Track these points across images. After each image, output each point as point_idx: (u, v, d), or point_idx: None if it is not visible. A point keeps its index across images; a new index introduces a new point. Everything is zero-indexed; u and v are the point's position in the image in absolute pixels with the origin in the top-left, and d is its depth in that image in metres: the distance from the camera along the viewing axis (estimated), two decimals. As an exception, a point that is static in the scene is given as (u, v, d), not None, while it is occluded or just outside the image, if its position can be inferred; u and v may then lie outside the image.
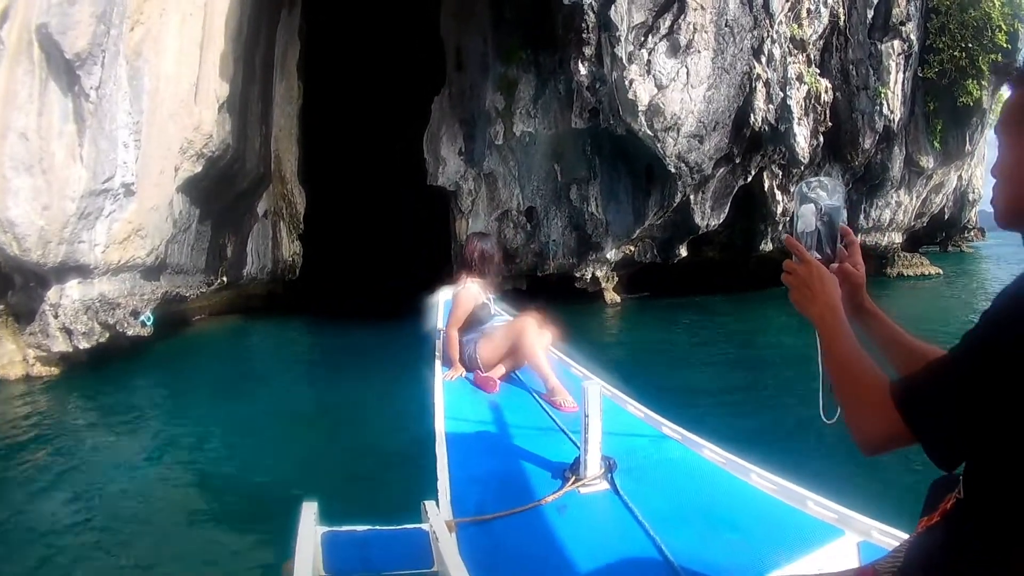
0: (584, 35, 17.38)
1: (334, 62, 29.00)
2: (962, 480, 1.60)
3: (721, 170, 18.46)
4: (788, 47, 18.07)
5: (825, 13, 18.59)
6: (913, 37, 20.47)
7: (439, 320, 7.18)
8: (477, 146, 21.74)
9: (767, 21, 17.57)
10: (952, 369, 1.50)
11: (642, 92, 16.62)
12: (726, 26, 17.21)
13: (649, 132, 16.90)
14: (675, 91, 16.79)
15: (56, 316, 12.64)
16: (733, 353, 14.03)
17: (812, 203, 2.02)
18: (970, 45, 20.53)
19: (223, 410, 10.98)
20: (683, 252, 20.59)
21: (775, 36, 17.71)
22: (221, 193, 17.26)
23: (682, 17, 16.73)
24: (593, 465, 3.79)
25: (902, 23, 20.20)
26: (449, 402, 5.22)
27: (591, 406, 3.74)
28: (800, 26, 18.27)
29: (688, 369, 12.80)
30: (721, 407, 9.42)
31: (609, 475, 3.80)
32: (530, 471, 4.08)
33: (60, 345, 12.61)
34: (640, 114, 16.77)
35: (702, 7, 16.79)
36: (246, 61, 17.63)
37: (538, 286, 21.58)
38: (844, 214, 2.03)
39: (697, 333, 16.44)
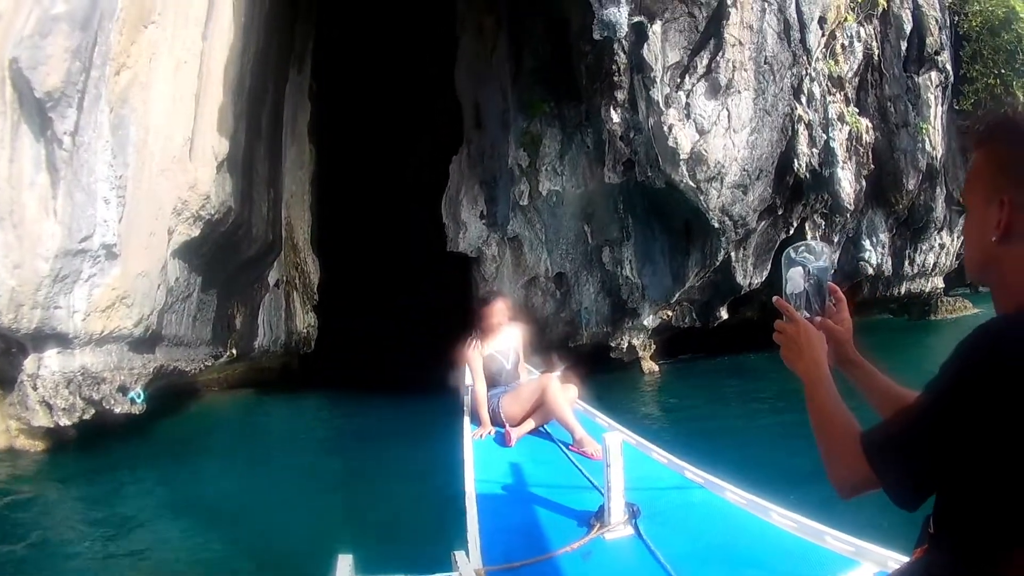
0: (615, 78, 16.06)
1: (347, 124, 27.94)
2: (932, 516, 1.77)
3: (763, 223, 17.21)
4: (827, 85, 16.98)
5: (859, 48, 17.59)
6: (948, 67, 19.51)
7: (466, 378, 7.28)
8: (500, 208, 20.34)
9: (804, 57, 16.44)
10: (911, 421, 1.71)
11: (683, 139, 15.30)
12: (765, 63, 16.04)
13: (691, 183, 15.56)
14: (717, 136, 15.52)
15: (35, 388, 11.60)
16: (789, 418, 12.78)
17: (800, 266, 2.25)
18: (1003, 71, 19.95)
19: (239, 482, 10.90)
20: (724, 314, 19.34)
21: (813, 74, 16.60)
22: (226, 260, 15.99)
23: (720, 54, 15.51)
24: (617, 512, 4.01)
25: (937, 53, 19.27)
26: (478, 456, 5.50)
27: (612, 455, 3.98)
28: (836, 62, 17.23)
29: (745, 440, 12.15)
30: (787, 478, 8.39)
31: (633, 521, 4.02)
32: (557, 520, 4.33)
33: (41, 419, 11.59)
34: (681, 163, 15.42)
35: (740, 43, 15.60)
36: (250, 118, 16.45)
37: (568, 356, 19.84)
38: (829, 275, 2.28)
39: (746, 401, 15.31)
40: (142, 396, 12.49)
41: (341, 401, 18.45)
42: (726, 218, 16.31)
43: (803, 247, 2.24)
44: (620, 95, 16.23)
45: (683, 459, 5.09)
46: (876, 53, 18.36)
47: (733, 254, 17.42)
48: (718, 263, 17.39)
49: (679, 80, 15.59)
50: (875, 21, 18.10)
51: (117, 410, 12.02)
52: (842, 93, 17.33)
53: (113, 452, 12.07)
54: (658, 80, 15.38)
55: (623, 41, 15.69)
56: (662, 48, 15.44)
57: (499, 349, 6.85)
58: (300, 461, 12.48)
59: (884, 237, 20.19)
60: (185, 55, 13.41)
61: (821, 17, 16.54)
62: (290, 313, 20.79)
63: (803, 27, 16.31)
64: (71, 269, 11.18)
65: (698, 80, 15.57)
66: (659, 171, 16.03)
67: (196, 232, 13.55)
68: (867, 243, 19.93)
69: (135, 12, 12.29)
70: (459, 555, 3.44)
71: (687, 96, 15.48)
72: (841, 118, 17.07)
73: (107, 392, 11.78)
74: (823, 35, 16.70)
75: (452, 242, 20.69)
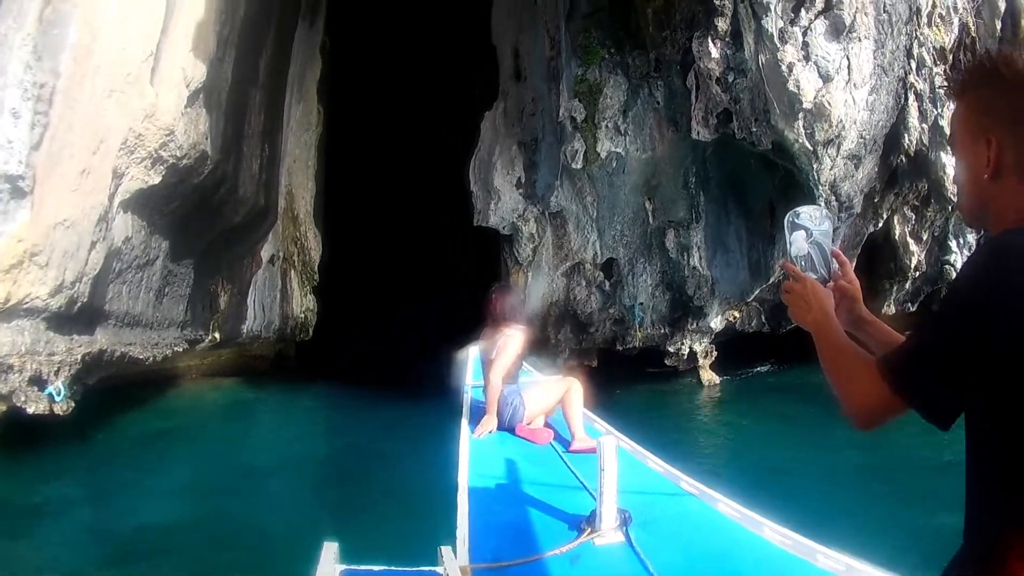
0: (717, 1, 12.67)
1: (362, 84, 24.70)
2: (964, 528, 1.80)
3: (853, 211, 14.13)
4: (934, 54, 14.01)
5: (955, 22, 14.37)
6: (1046, 51, 16.15)
7: (468, 376, 7.31)
8: (541, 176, 17.08)
9: (916, 17, 13.41)
10: (927, 332, 1.78)
11: (805, 83, 11.95)
12: (884, 10, 12.80)
13: (808, 144, 12.22)
14: (839, 88, 12.20)
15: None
16: (877, 459, 11.08)
17: (802, 229, 2.38)
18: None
19: (221, 472, 10.53)
20: None
21: (921, 38, 13.66)
22: (204, 224, 12.98)
23: (841, -13, 12.16)
24: (608, 517, 4.01)
25: (1032, 35, 16.03)
26: (474, 454, 5.48)
27: (607, 459, 3.98)
28: (939, 31, 14.15)
29: (827, 484, 10.35)
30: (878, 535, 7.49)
31: (624, 528, 4.02)
32: (547, 522, 4.35)
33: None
34: (800, 116, 12.08)
35: (864, -25, 12.29)
36: (243, 54, 13.42)
37: (611, 361, 16.98)
38: (830, 238, 2.38)
39: (827, 430, 11.77)
40: (63, 392, 9.16)
41: (339, 393, 16.84)
42: (833, 198, 13.23)
43: (804, 212, 2.38)
44: (722, 24, 12.77)
45: (680, 470, 5.00)
46: (972, 30, 15.19)
47: (821, 245, 14.08)
48: None
49: (792, 15, 12.22)
50: None
51: (30, 410, 8.81)
52: (944, 66, 14.26)
53: (51, 448, 10.07)
54: (772, 7, 11.97)
55: (727, -46, 12.36)
56: (774, -32, 12.07)
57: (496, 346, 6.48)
58: (288, 453, 12.12)
59: (972, 239, 17.12)
60: (162, -54, 10.17)
61: None
62: (286, 295, 17.96)
63: None
64: (-48, 202, 7.87)
65: (816, 16, 12.19)
66: (767, 126, 12.67)
67: (156, 179, 10.39)
68: (953, 244, 16.81)
69: None
70: (446, 550, 3.51)
71: (803, 34, 12.11)
72: (975, 58, 13.79)
73: (16, 384, 8.43)
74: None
75: (481, 214, 17.44)
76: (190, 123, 10.93)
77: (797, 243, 2.34)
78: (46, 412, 9.12)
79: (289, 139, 17.70)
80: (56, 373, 8.98)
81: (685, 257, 15.64)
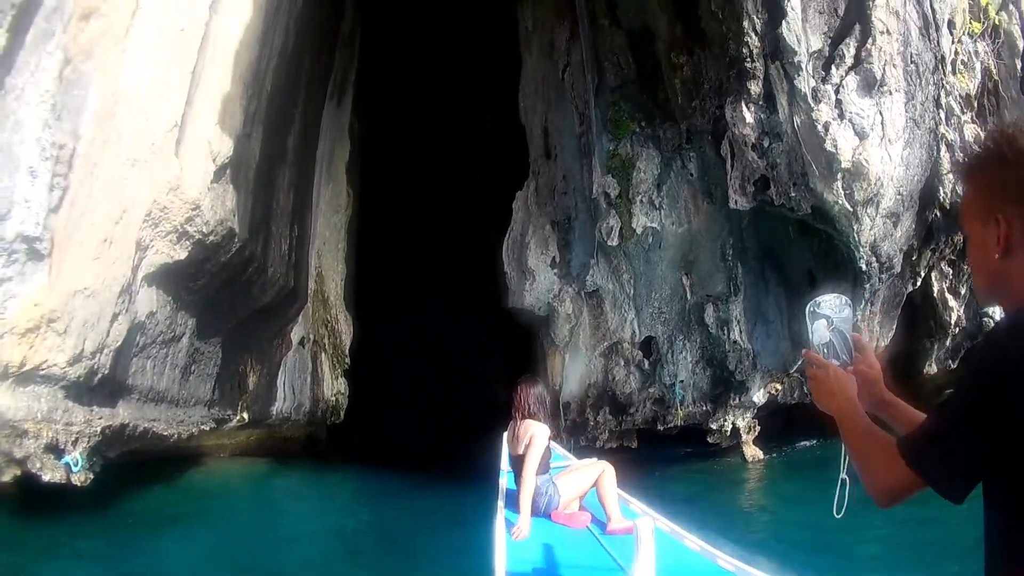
0: (748, 64, 12.44)
1: (391, 165, 24.64)
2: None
3: (893, 272, 13.63)
4: (960, 102, 13.82)
5: (977, 66, 14.39)
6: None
7: (504, 462, 7.20)
8: (576, 255, 16.80)
9: (941, 66, 13.20)
10: (943, 413, 1.86)
11: (842, 141, 11.62)
12: (911, 61, 12.58)
13: (847, 206, 11.85)
14: (874, 145, 11.88)
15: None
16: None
17: (823, 318, 2.48)
18: None
19: (241, 556, 9.86)
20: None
21: (947, 87, 13.40)
22: (234, 303, 12.72)
23: (869, 42, 11.97)
24: None
25: (1053, 74, 15.86)
26: (511, 540, 5.46)
27: (643, 541, 4.01)
28: (963, 78, 14.03)
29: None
30: None
31: None
32: None
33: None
34: (839, 176, 11.73)
35: (888, 31, 12.10)
36: (270, 130, 13.29)
37: (652, 441, 16.41)
38: (851, 324, 2.45)
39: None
40: (80, 463, 8.71)
41: (370, 476, 16.43)
42: (873, 259, 12.77)
43: (824, 301, 2.45)
44: (754, 87, 12.53)
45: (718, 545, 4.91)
46: (993, 72, 14.94)
47: (858, 312, 13.99)
48: (856, 320, 13.49)
49: (823, 73, 11.99)
50: (986, 38, 14.81)
51: (45, 477, 8.38)
52: (971, 113, 14.21)
53: (67, 520, 9.49)
54: (803, 67, 11.74)
55: (755, 17, 12.14)
56: (803, 29, 11.87)
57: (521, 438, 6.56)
58: (318, 538, 11.59)
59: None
60: (183, 21, 10.15)
61: (950, 20, 13.41)
62: (317, 377, 17.57)
63: (937, 27, 13.11)
64: (-33, 257, 7.65)
65: (847, 72, 11.94)
66: (806, 190, 12.31)
67: (181, 254, 10.11)
68: (992, 295, 16.09)
69: (124, -59, 9.06)
70: None
71: (836, 92, 11.85)
72: (978, 141, 13.28)
73: (32, 450, 8.07)
74: (952, 42, 13.57)
75: (515, 296, 17.14)
76: (217, 199, 10.70)
77: (819, 332, 2.43)
78: (63, 481, 8.61)
79: (319, 220, 17.52)
80: (74, 443, 8.60)
81: (725, 331, 15.14)
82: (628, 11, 16.68)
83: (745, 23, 12.24)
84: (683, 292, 15.62)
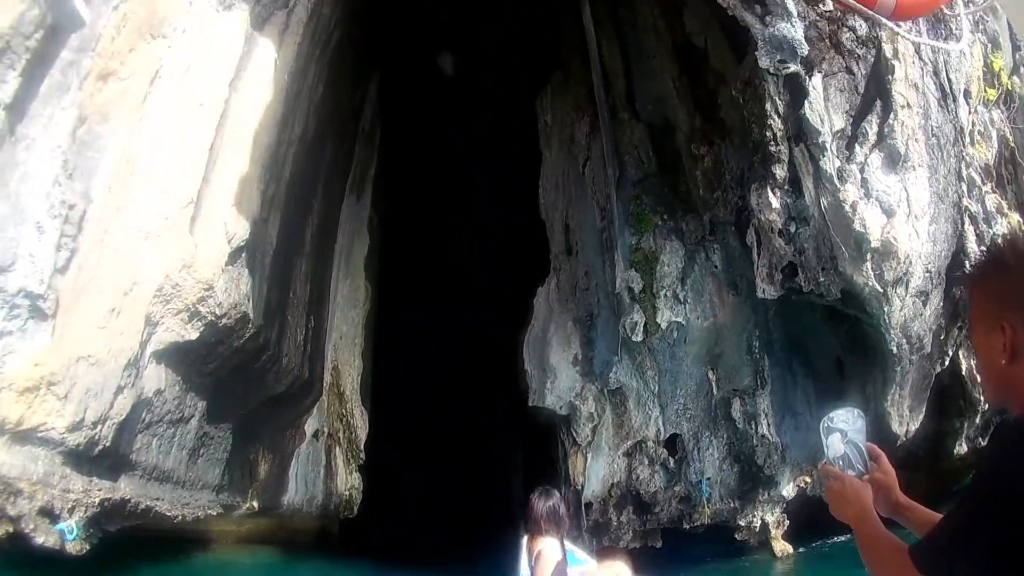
0: (772, 147, 12.25)
1: (411, 261, 24.26)
2: None
3: (924, 352, 13.33)
4: (981, 173, 13.83)
5: (994, 134, 14.35)
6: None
7: (522, 566, 7.09)
8: (598, 352, 16.35)
9: (961, 137, 13.01)
10: (952, 522, 1.96)
11: (871, 220, 11.37)
12: (932, 135, 12.40)
13: (878, 287, 11.52)
14: (901, 223, 11.63)
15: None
16: None
17: (837, 432, 2.58)
18: None
19: None
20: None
21: (968, 159, 13.29)
22: (245, 390, 12.37)
23: (891, 117, 11.78)
24: None
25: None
26: None
27: None
28: (980, 147, 14.06)
29: None
30: None
31: None
32: None
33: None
34: (868, 256, 11.44)
35: (908, 105, 11.93)
36: (288, 218, 13.19)
37: (677, 540, 15.67)
38: (864, 435, 2.59)
39: None
40: (76, 532, 8.25)
41: (384, 573, 15.94)
42: (904, 340, 12.45)
43: (836, 416, 2.56)
44: (779, 171, 12.32)
45: None
46: (1009, 140, 14.96)
47: (888, 396, 13.63)
48: (886, 405, 13.41)
49: (847, 153, 11.83)
50: (1000, 105, 14.79)
51: (38, 540, 7.93)
52: (991, 183, 14.25)
53: None
54: (828, 147, 11.57)
55: (777, 99, 12.03)
56: (826, 108, 11.75)
57: (565, 548, 6.51)
58: None
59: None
60: (202, 95, 10.14)
61: (966, 89, 13.29)
62: (330, 471, 17.04)
63: (954, 98, 12.99)
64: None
65: (871, 149, 11.76)
66: (835, 274, 11.98)
67: (193, 334, 9.83)
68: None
69: (143, 11, 9.09)
70: None
71: (861, 171, 11.65)
72: (1000, 211, 14.03)
73: (24, 510, 7.63)
74: (969, 111, 13.43)
75: (536, 395, 16.61)
76: (231, 281, 10.46)
77: (833, 446, 2.52)
78: (56, 547, 8.12)
79: (336, 314, 17.32)
80: (70, 511, 8.15)
81: (753, 426, 14.58)
82: (647, 104, 16.73)
83: (767, 105, 12.06)
84: (709, 387, 15.13)
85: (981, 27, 14.09)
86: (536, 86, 19.30)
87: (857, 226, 11.32)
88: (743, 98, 13.10)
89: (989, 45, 14.21)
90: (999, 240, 2.17)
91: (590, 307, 16.96)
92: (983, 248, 13.18)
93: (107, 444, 8.55)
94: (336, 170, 17.29)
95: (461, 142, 23.84)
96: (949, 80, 12.77)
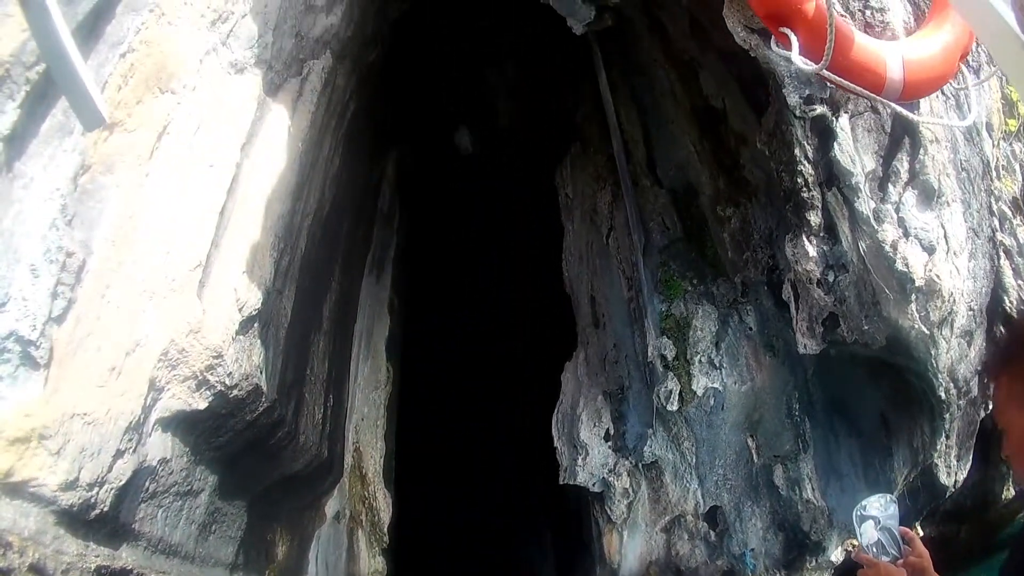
0: (805, 194, 11.78)
1: (433, 342, 23.84)
2: None
3: (970, 396, 12.67)
4: (1010, 206, 13.39)
5: (1017, 167, 13.95)
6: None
7: None
8: (631, 426, 15.76)
9: (988, 171, 12.68)
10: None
11: (913, 257, 10.85)
12: (963, 168, 11.99)
13: (924, 329, 10.93)
14: (941, 260, 11.18)
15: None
16: None
17: (871, 519, 2.78)
18: None
19: None
20: (919, 532, 13.96)
21: (997, 192, 12.94)
22: (258, 466, 11.62)
23: (921, 152, 11.38)
24: None
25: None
26: None
27: None
28: (1008, 182, 13.69)
29: None
30: None
31: None
32: None
33: None
34: (912, 297, 10.90)
35: (936, 138, 11.57)
36: (304, 291, 12.75)
37: None
38: (897, 520, 2.80)
39: None
40: (70, 596, 7.56)
41: None
42: (951, 385, 11.86)
43: (870, 503, 2.81)
44: (814, 218, 11.80)
45: None
46: None
47: (937, 447, 13.13)
48: (935, 454, 12.83)
49: (881, 194, 11.40)
50: (1020, 138, 14.41)
51: None
52: (1020, 216, 13.76)
53: None
54: (862, 188, 11.13)
55: (805, 143, 11.65)
56: (855, 149, 11.37)
57: None
58: None
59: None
60: (213, 157, 9.77)
61: (987, 122, 12.94)
62: (353, 554, 16.22)
63: (978, 131, 12.67)
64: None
65: (904, 187, 11.35)
66: (879, 319, 11.39)
67: (201, 404, 9.21)
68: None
69: (151, 63, 8.73)
70: None
71: (896, 210, 11.21)
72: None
73: (14, 563, 6.99)
74: (992, 144, 13.06)
75: (567, 472, 15.96)
76: (242, 351, 9.92)
77: (867, 533, 2.73)
78: None
79: (357, 395, 16.88)
80: (64, 572, 7.54)
81: (796, 491, 13.83)
82: (669, 170, 16.51)
83: (796, 151, 11.64)
84: (749, 455, 14.44)
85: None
86: (555, 158, 19.21)
87: (899, 265, 10.81)
88: (768, 149, 12.71)
89: (1004, 77, 14.07)
90: (1019, 323, 1.93)
91: (620, 380, 16.43)
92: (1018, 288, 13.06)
93: (105, 509, 7.91)
94: (355, 248, 17.04)
95: (480, 219, 23.71)
96: (970, 110, 12.31)
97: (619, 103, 17.30)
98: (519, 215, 22.53)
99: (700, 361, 14.61)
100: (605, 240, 17.45)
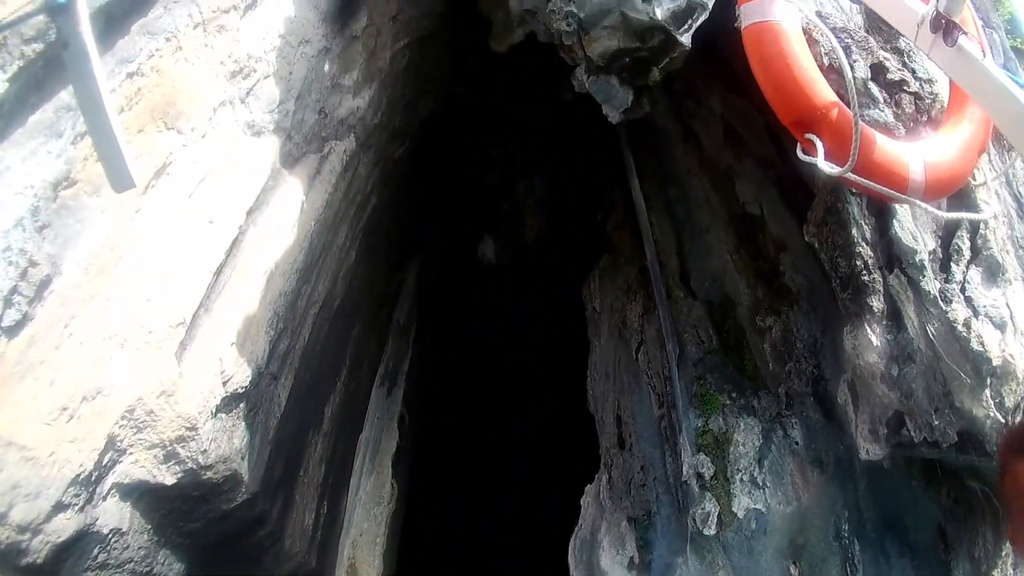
0: (865, 277, 10.74)
1: (444, 463, 22.33)
2: None
3: None
4: None
5: None
6: None
7: None
8: (658, 554, 14.21)
9: None
10: None
11: (988, 336, 9.71)
12: (1020, 246, 11.16)
13: (999, 417, 9.67)
14: (1011, 338, 10.10)
15: None
16: None
17: None
18: None
19: None
20: None
21: None
22: (237, 567, 10.31)
23: (982, 227, 10.62)
24: None
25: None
26: None
27: None
28: None
29: None
30: None
31: None
32: None
33: None
34: (988, 380, 9.67)
35: (995, 215, 10.89)
36: (303, 385, 11.72)
37: None
38: None
39: None
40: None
41: None
42: None
43: None
44: (876, 303, 10.67)
45: None
46: None
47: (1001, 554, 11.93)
48: (998, 562, 11.62)
49: (944, 275, 10.44)
50: None
51: None
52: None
53: None
54: (927, 266, 10.12)
55: (863, 223, 10.69)
56: (916, 226, 10.47)
57: None
58: None
59: None
60: (214, 213, 8.93)
61: None
62: None
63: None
64: None
65: (968, 265, 10.46)
66: (951, 412, 10.09)
67: (168, 479, 8.03)
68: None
69: (159, 93, 7.98)
70: None
71: (961, 290, 10.21)
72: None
73: None
74: None
75: (586, 604, 14.40)
76: (222, 431, 8.80)
77: None
78: None
79: (357, 509, 15.70)
80: None
81: (847, 624, 12.26)
82: (704, 281, 15.63)
83: (853, 231, 10.70)
84: (792, 585, 12.96)
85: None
86: (583, 271, 18.43)
87: (975, 345, 9.64)
88: (818, 240, 11.78)
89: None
90: None
91: (647, 504, 14.94)
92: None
93: (39, 561, 6.64)
94: (366, 355, 16.17)
95: (501, 333, 22.78)
96: (1019, 192, 11.78)
97: (652, 212, 16.64)
98: (542, 330, 21.69)
99: (741, 480, 13.22)
100: (635, 355, 16.35)
